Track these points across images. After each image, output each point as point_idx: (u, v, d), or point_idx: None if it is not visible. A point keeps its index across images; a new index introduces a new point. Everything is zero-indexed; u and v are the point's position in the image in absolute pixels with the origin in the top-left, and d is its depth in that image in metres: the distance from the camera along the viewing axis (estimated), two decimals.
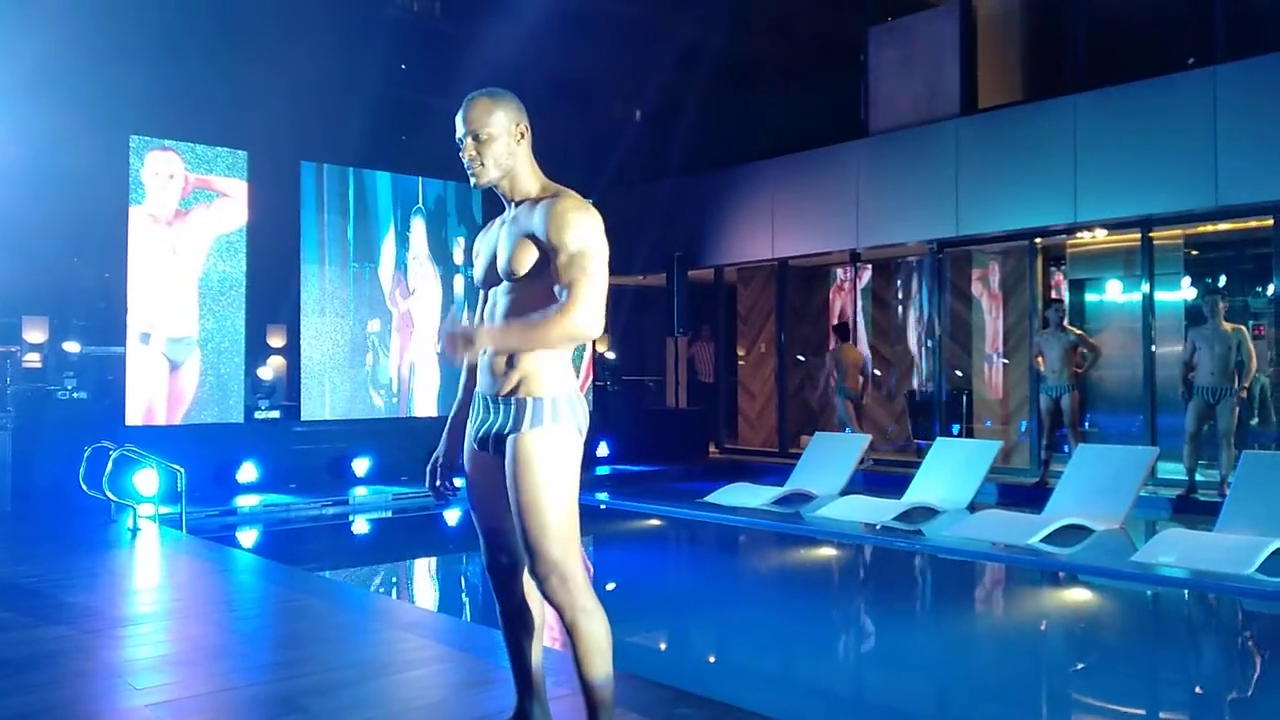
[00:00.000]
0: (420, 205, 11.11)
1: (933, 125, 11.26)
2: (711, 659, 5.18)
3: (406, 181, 11.04)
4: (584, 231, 2.43)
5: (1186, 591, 6.25)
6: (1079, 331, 9.70)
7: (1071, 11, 10.85)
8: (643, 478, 11.26)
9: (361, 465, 10.10)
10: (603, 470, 11.33)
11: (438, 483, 2.76)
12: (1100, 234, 10.47)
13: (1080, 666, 5.04)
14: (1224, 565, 6.11)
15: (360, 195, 10.70)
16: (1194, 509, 8.38)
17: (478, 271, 2.69)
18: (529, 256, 2.48)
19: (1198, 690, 4.72)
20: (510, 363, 2.52)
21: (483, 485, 2.61)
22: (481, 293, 2.70)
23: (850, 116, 12.40)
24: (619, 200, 12.74)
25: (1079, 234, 10.57)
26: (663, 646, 5.38)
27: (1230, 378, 8.49)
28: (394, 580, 7.18)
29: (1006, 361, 11.79)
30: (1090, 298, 11.45)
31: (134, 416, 8.99)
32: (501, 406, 2.52)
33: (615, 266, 2.68)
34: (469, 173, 2.59)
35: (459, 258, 11.25)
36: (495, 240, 2.62)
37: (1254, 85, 8.94)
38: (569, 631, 2.45)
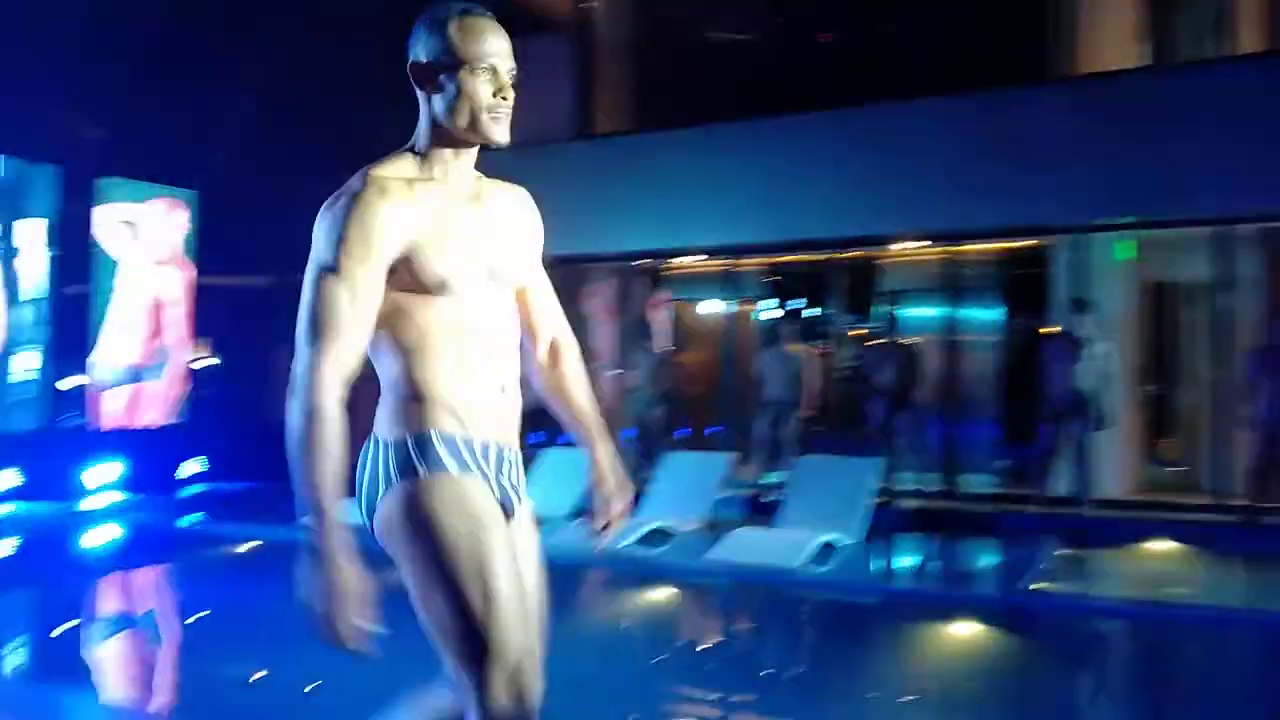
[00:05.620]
0: None
1: (547, 146, 11.64)
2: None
3: None
4: None
5: (749, 583, 6.93)
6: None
7: (675, 53, 11.75)
8: (247, 495, 10.52)
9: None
10: (193, 490, 10.53)
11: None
12: (696, 259, 11.44)
13: (654, 661, 5.39)
14: (778, 559, 6.87)
15: None
16: (766, 509, 9.34)
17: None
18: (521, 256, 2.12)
19: (762, 674, 5.19)
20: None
21: None
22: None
23: None
24: None
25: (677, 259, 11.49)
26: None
27: (792, 392, 9.66)
28: None
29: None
30: (686, 316, 12.49)
31: None
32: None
33: None
34: (499, 126, 1.96)
35: None
36: (466, 227, 2.03)
37: (816, 135, 10.16)
38: None
